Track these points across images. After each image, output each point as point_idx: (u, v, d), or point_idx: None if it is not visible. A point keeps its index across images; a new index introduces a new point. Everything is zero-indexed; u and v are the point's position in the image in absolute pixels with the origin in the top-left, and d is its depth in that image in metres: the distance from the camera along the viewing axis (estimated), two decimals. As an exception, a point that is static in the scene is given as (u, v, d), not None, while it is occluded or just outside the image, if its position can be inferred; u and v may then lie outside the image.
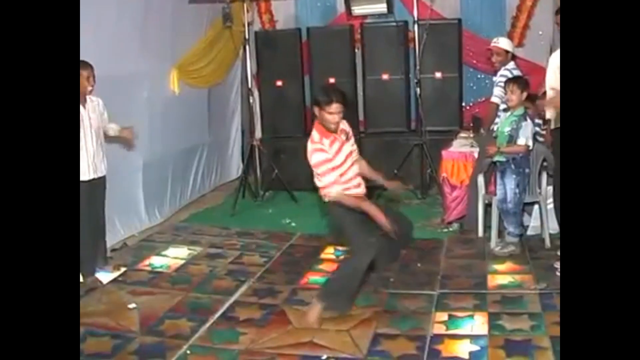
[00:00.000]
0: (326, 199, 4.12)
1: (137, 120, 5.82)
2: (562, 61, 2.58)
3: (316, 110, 4.08)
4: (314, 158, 4.03)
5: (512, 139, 5.12)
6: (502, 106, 5.58)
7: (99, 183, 4.96)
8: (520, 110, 5.13)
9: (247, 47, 7.82)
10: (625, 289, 2.13)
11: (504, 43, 5.86)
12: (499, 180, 5.27)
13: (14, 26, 2.25)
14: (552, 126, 4.99)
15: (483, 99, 8.05)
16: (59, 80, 2.35)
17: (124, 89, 5.84)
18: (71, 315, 2.33)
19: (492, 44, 5.88)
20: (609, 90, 2.24)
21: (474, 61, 8.10)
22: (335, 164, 4.06)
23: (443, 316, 4.12)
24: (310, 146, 4.06)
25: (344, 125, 4.20)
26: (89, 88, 4.67)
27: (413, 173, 7.62)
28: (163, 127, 6.73)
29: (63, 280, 2.30)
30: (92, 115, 4.78)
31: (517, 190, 5.15)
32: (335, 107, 3.99)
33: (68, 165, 2.45)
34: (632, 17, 2.22)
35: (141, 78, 6.25)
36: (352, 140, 4.27)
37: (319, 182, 4.09)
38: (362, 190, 4.25)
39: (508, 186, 5.18)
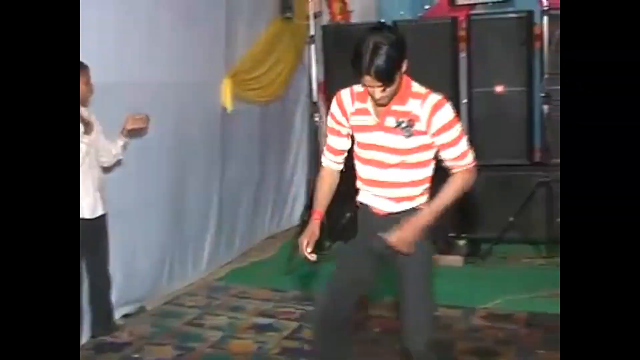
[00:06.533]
0: None
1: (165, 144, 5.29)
2: (562, 60, 2.54)
3: None
4: None
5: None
6: None
7: (101, 224, 4.63)
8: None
9: (313, 46, 6.84)
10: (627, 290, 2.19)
11: None
12: None
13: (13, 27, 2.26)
14: None
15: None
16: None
17: (151, 103, 5.09)
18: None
19: None
20: (609, 85, 2.22)
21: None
22: None
23: None
24: None
25: None
26: (89, 95, 4.35)
27: (536, 221, 6.45)
28: (196, 157, 5.82)
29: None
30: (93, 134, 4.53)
31: None
32: None
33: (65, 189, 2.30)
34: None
35: (177, 90, 5.40)
36: None
37: None
38: None
39: None
